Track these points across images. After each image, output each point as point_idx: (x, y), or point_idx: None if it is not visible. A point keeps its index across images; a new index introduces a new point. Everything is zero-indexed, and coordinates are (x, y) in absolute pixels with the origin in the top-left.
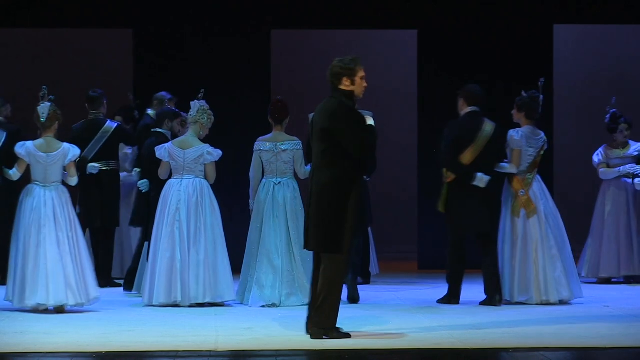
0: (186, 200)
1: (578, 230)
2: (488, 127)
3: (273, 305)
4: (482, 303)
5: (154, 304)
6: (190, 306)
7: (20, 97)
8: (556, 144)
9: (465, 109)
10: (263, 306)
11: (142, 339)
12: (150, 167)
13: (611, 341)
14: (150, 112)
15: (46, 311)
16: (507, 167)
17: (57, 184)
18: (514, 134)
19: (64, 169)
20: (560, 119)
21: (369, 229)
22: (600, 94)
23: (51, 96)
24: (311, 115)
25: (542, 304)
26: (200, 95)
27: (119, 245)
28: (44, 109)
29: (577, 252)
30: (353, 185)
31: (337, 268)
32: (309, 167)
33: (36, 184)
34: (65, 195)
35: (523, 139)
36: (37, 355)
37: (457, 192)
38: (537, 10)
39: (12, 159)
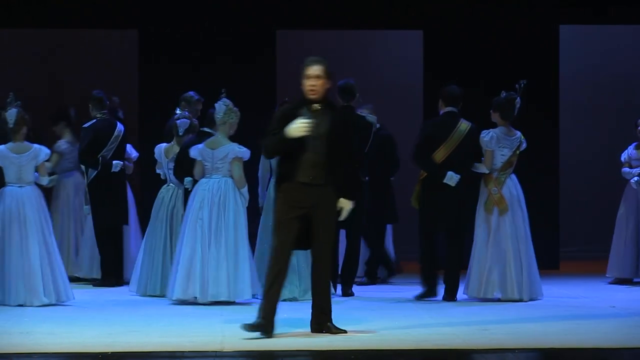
0: (209, 198)
1: (581, 231)
2: (462, 126)
3: (294, 299)
4: (443, 299)
5: (173, 299)
6: (210, 304)
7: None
8: (562, 144)
9: (443, 109)
10: (284, 300)
11: (147, 339)
12: (191, 165)
13: (617, 341)
14: (178, 112)
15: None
16: (479, 167)
17: (32, 185)
18: (484, 135)
19: (36, 169)
20: (566, 121)
21: (390, 229)
22: (606, 95)
23: (18, 102)
24: None
25: (513, 301)
26: (222, 96)
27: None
28: (11, 115)
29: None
30: (280, 187)
31: None
32: None
33: (12, 186)
34: (41, 196)
35: (492, 140)
36: (42, 355)
37: (429, 188)
38: (541, 11)
39: None
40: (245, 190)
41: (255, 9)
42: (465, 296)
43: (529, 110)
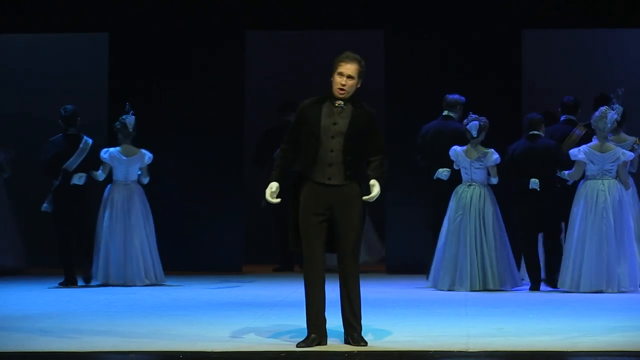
0: (601, 198)
1: None
2: None
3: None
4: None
5: (580, 290)
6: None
7: None
8: None
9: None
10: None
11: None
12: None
13: None
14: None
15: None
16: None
17: (135, 183)
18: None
19: (141, 170)
20: None
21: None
22: None
23: (132, 110)
24: None
25: None
26: (614, 101)
27: None
28: (131, 121)
29: None
30: (298, 188)
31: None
32: None
33: (119, 183)
34: (143, 192)
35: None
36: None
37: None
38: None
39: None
40: (633, 191)
41: (502, 9)
42: None
43: None
